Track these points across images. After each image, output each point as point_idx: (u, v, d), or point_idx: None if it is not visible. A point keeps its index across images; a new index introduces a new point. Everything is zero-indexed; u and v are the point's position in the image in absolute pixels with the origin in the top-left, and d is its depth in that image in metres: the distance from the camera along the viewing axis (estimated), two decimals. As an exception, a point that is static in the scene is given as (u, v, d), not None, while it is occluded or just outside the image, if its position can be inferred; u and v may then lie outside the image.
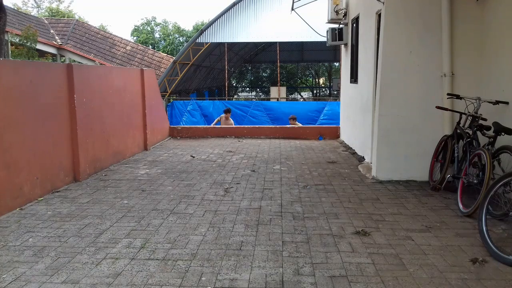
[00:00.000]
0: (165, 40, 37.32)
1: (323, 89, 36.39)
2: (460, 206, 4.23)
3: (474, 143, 4.51)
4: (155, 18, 39.12)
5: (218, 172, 6.12)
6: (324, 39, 9.75)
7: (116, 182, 5.54)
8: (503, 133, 4.16)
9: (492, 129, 4.26)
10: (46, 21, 21.50)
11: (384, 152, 5.48)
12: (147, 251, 3.36)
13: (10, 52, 14.13)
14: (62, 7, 33.90)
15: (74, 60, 18.80)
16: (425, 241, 3.52)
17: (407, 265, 3.08)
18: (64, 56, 19.43)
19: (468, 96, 4.78)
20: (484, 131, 4.41)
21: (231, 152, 7.76)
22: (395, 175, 5.48)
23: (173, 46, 35.57)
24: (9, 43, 13.91)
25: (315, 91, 36.38)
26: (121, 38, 22.76)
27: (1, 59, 5.58)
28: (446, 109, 5.06)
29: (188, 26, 55.85)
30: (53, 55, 18.42)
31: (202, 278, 2.92)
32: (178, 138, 9.69)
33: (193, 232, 3.77)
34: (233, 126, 10.25)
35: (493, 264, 3.10)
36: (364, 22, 7.19)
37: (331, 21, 9.14)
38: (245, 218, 4.13)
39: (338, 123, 9.83)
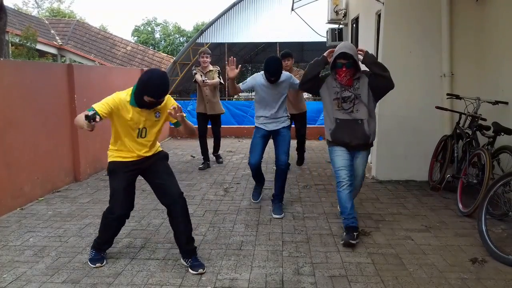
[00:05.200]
0: (165, 40, 37.29)
1: (323, 89, 36.33)
2: (460, 206, 4.24)
3: (473, 143, 4.51)
4: (156, 19, 39.11)
5: (218, 172, 6.13)
6: (324, 39, 9.75)
7: (117, 182, 5.54)
8: (502, 133, 4.17)
9: (492, 129, 4.27)
10: (46, 22, 21.48)
11: (384, 152, 5.49)
12: (148, 251, 3.37)
13: (10, 52, 14.12)
14: (62, 7, 33.91)
15: (75, 61, 18.80)
16: (425, 241, 3.53)
17: (407, 265, 3.09)
18: (64, 56, 19.41)
19: (468, 96, 4.79)
20: (484, 131, 4.41)
21: (231, 152, 7.77)
22: (395, 175, 5.49)
23: (173, 46, 35.54)
24: (10, 43, 13.90)
25: (315, 91, 36.37)
26: (122, 39, 22.73)
27: (1, 59, 5.59)
28: (445, 109, 5.06)
29: (188, 26, 55.83)
30: (53, 55, 18.40)
31: (202, 278, 2.93)
32: (178, 138, 9.69)
33: (193, 232, 3.75)
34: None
35: (493, 264, 3.11)
36: (364, 22, 7.19)
37: (331, 21, 9.14)
38: (245, 218, 4.14)
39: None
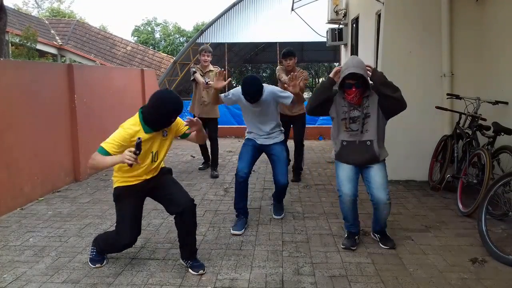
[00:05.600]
0: (165, 40, 37.29)
1: (323, 89, 36.33)
2: (460, 206, 4.24)
3: (473, 143, 4.51)
4: (156, 19, 39.11)
5: (218, 172, 6.12)
6: (324, 40, 9.76)
7: (117, 182, 5.54)
8: (502, 133, 4.17)
9: (492, 129, 4.27)
10: (46, 22, 21.49)
11: (384, 152, 5.49)
12: (148, 251, 3.37)
13: (10, 52, 14.12)
14: (62, 7, 33.91)
15: (75, 61, 18.80)
16: (425, 241, 3.53)
17: (407, 265, 3.09)
18: (64, 56, 19.41)
19: (468, 96, 4.79)
20: (484, 131, 4.41)
21: (231, 152, 7.77)
22: (395, 175, 5.48)
23: (173, 46, 35.53)
24: (10, 43, 13.90)
25: (315, 91, 36.38)
26: (122, 39, 22.74)
27: (1, 59, 5.59)
28: (445, 109, 5.06)
29: (188, 26, 55.85)
30: (53, 55, 18.41)
31: (202, 278, 2.93)
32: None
33: (193, 232, 3.77)
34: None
35: (493, 264, 3.11)
36: (364, 22, 7.20)
37: (331, 21, 9.16)
38: (245, 218, 4.13)
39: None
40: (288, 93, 3.93)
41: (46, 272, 3.03)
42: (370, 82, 3.26)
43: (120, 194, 3.01)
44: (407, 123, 5.39)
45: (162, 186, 3.10)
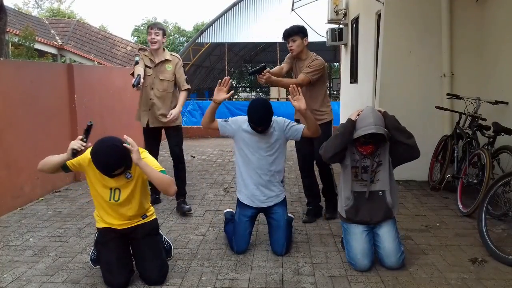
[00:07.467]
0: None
1: (323, 89, 36.37)
2: (460, 206, 4.24)
3: (473, 143, 4.51)
4: (156, 19, 39.13)
5: (218, 172, 6.12)
6: (324, 39, 9.76)
7: (117, 182, 5.54)
8: (502, 133, 4.17)
9: (492, 129, 4.27)
10: (46, 21, 21.49)
11: (384, 152, 5.48)
12: (148, 251, 3.37)
13: (10, 52, 14.11)
14: (62, 7, 33.92)
15: (75, 61, 18.77)
16: (425, 241, 3.53)
17: (407, 265, 3.09)
18: (64, 56, 19.39)
19: (468, 96, 4.79)
20: (484, 131, 4.42)
21: (231, 152, 7.76)
22: (395, 175, 5.45)
23: (173, 46, 35.52)
24: (10, 43, 13.89)
25: (315, 91, 36.40)
26: (122, 39, 22.69)
27: (1, 59, 5.59)
28: (445, 109, 5.06)
29: (188, 26, 55.86)
30: (53, 55, 18.38)
31: (202, 278, 2.92)
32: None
33: (193, 232, 3.78)
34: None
35: (493, 264, 3.11)
36: (364, 22, 7.20)
37: (331, 21, 9.16)
38: (245, 218, 4.12)
39: (338, 123, 9.82)
40: (300, 125, 3.29)
41: (46, 272, 3.03)
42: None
43: (101, 238, 2.89)
44: (407, 123, 5.30)
45: (138, 247, 2.87)
